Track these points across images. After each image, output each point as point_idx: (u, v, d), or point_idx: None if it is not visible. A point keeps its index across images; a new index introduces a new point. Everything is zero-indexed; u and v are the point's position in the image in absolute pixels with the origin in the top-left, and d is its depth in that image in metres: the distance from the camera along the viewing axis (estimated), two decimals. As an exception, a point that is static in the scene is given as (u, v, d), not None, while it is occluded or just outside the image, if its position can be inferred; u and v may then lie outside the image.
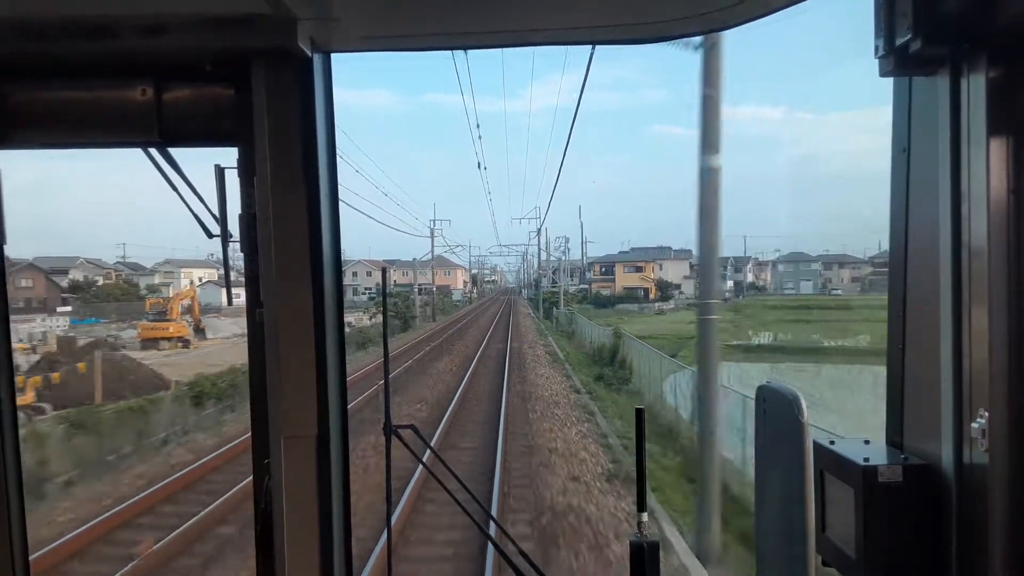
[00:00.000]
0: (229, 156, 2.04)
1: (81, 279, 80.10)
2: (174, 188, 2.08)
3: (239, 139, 1.98)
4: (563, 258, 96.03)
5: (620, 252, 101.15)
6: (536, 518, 11.24)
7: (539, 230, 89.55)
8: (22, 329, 41.36)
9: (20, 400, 22.22)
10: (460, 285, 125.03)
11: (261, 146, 1.91)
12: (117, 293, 76.38)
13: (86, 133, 2.03)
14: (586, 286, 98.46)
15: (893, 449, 1.69)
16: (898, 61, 1.52)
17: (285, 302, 1.95)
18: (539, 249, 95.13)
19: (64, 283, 77.26)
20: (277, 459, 1.95)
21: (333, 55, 2.05)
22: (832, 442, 1.68)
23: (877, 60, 1.58)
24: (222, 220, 2.02)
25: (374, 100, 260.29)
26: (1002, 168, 1.42)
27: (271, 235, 1.93)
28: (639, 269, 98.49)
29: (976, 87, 1.44)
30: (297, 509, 1.96)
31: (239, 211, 2.00)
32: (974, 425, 1.43)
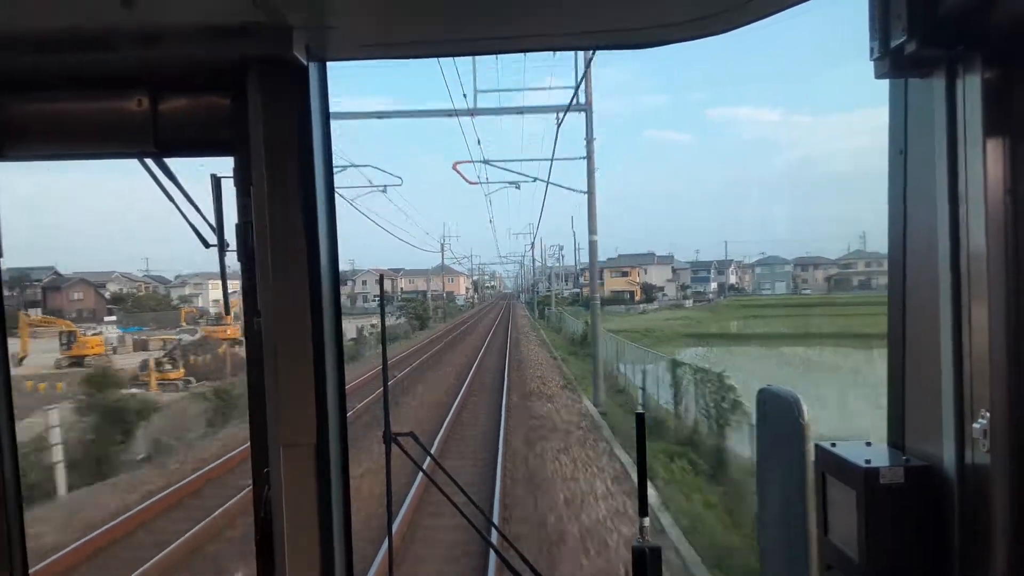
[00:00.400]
0: (225, 166, 2.01)
1: (118, 291, 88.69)
2: (170, 198, 2.08)
3: (235, 148, 1.97)
4: (556, 264, 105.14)
5: (608, 259, 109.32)
6: (521, 391, 25.53)
7: (532, 243, 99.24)
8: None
9: (176, 374, 32.79)
10: (463, 291, 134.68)
11: (257, 155, 1.91)
12: (152, 304, 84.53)
13: (82, 144, 2.04)
14: (578, 290, 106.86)
15: (895, 451, 1.69)
16: (893, 63, 1.52)
17: (282, 310, 1.95)
18: (532, 260, 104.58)
19: (106, 295, 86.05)
20: (276, 468, 1.96)
21: (329, 63, 2.03)
22: (833, 444, 1.69)
23: (872, 62, 1.58)
24: (219, 229, 2.03)
25: (374, 106, 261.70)
26: (999, 169, 1.41)
27: (268, 244, 1.92)
28: (625, 274, 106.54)
29: (972, 88, 1.44)
30: (297, 518, 1.97)
31: (235, 220, 1.99)
32: (975, 426, 1.43)
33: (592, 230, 24.50)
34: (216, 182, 1.99)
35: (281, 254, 1.93)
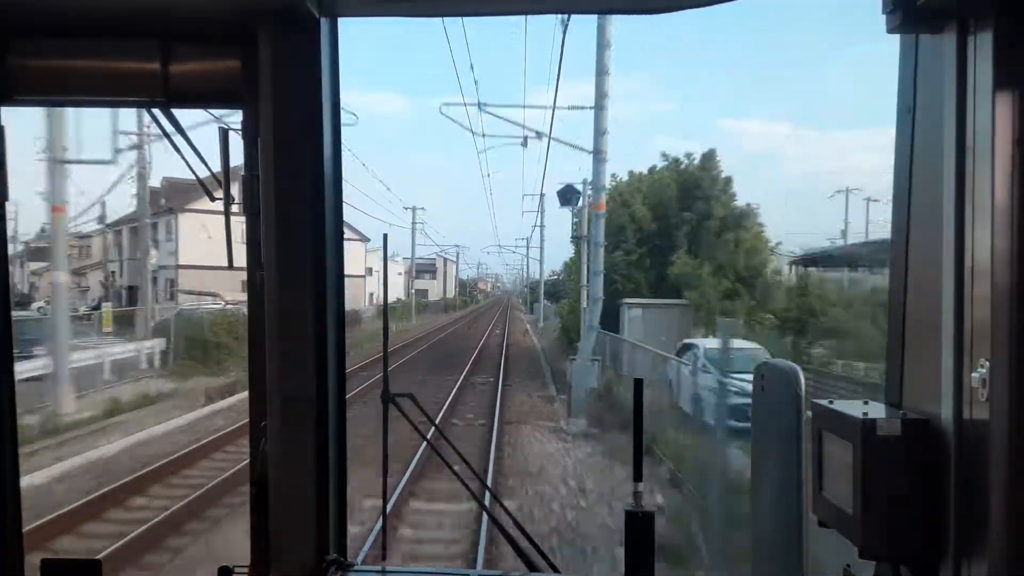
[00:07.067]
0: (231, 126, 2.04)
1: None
2: (177, 150, 2.08)
3: (244, 100, 1.95)
4: (539, 272, 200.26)
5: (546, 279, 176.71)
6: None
7: (525, 255, 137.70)
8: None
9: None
10: (489, 289, 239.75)
11: (266, 107, 1.89)
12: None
13: (91, 91, 2.03)
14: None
15: (892, 408, 1.69)
16: (906, 15, 1.50)
17: (286, 264, 1.94)
18: (526, 271, 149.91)
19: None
20: (275, 421, 1.96)
21: (341, 20, 2.02)
22: (831, 402, 1.70)
23: (884, 16, 1.56)
24: (225, 183, 2.01)
25: (384, 105, 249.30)
26: (1008, 119, 1.40)
27: (273, 197, 1.91)
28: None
29: (984, 38, 1.42)
30: (293, 472, 1.97)
31: (242, 174, 1.97)
32: (974, 375, 1.41)
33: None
34: (224, 134, 1.97)
35: (286, 208, 1.92)
